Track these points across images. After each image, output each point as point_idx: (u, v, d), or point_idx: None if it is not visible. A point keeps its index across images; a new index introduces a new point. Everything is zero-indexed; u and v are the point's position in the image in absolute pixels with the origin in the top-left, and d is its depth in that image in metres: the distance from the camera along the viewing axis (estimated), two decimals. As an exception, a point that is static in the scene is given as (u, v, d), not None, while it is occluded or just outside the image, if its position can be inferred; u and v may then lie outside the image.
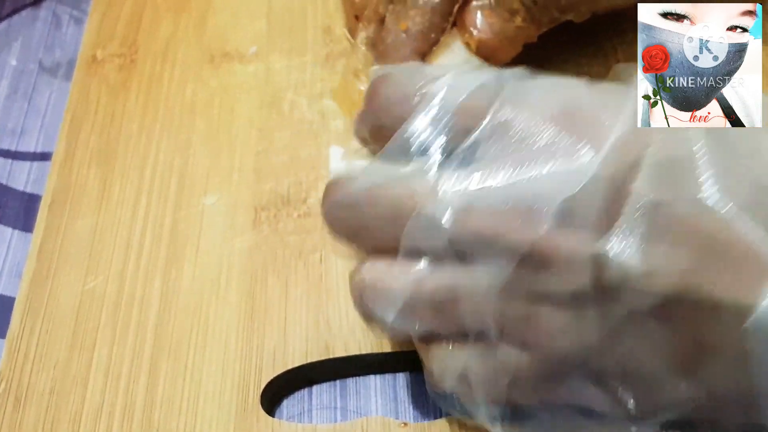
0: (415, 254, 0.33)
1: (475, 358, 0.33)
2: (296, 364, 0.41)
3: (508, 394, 0.33)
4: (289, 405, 0.41)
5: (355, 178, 0.35)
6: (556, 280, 0.30)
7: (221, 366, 0.41)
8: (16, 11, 0.61)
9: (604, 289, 0.29)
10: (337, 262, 0.44)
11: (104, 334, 0.43)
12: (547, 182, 0.30)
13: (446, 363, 0.34)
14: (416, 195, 0.32)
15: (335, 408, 0.41)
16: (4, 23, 0.60)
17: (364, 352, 0.41)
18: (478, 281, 0.31)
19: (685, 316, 0.29)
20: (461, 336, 0.33)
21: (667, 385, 0.30)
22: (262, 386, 0.40)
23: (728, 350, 0.28)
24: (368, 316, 0.35)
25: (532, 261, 0.30)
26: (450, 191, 0.32)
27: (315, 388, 0.42)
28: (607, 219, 0.29)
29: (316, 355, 0.41)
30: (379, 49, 0.47)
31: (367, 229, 0.34)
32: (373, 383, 0.42)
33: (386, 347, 0.41)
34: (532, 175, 0.31)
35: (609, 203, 0.29)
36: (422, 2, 0.45)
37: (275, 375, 0.41)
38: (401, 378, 0.42)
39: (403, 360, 0.41)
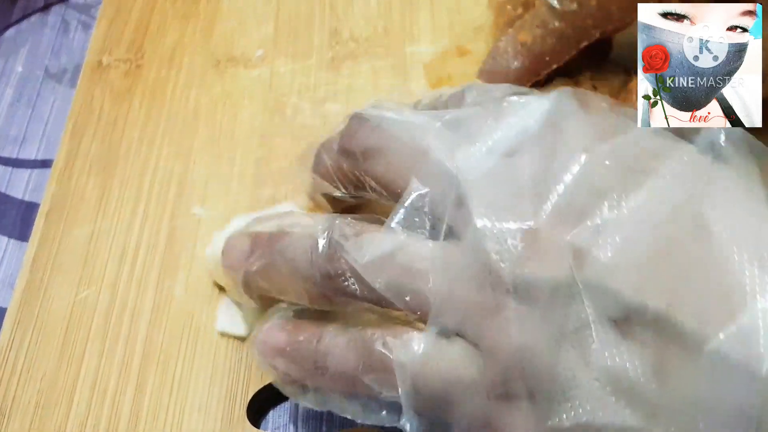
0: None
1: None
2: (283, 377, 0.40)
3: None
4: (275, 416, 0.41)
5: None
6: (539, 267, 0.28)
7: (209, 377, 0.40)
8: (25, 17, 0.61)
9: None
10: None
11: (93, 346, 0.42)
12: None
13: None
14: None
15: (321, 420, 0.40)
16: (13, 29, 0.60)
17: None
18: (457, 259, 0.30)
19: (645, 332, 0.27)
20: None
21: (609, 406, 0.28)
22: (249, 398, 0.39)
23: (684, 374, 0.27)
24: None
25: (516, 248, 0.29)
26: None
27: (301, 400, 0.41)
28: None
29: (304, 367, 0.40)
30: (487, 62, 0.47)
31: None
32: (360, 396, 0.41)
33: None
34: None
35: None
36: (551, 25, 0.44)
37: (262, 386, 0.40)
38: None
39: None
